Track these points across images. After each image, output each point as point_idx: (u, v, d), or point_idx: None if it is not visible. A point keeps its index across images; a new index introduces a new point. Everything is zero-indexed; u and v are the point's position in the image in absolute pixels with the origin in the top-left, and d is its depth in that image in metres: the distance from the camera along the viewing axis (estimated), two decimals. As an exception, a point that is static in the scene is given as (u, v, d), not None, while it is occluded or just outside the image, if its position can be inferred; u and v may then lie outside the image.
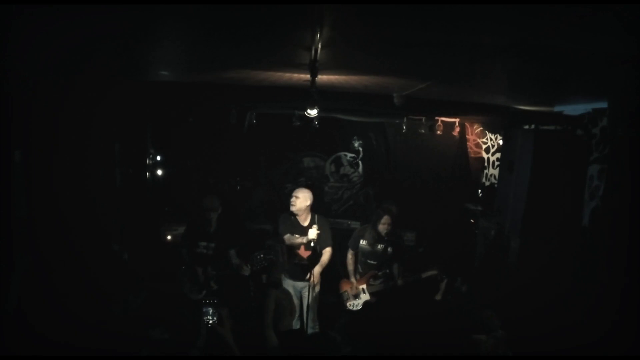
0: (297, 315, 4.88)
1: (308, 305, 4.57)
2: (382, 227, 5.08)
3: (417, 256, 5.72)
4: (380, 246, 5.12)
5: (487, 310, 4.00)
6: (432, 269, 5.14)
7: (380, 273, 5.14)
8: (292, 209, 4.77)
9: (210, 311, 3.40)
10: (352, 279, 5.22)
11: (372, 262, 5.15)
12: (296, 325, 4.89)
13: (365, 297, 5.13)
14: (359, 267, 5.26)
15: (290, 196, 4.87)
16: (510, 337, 3.73)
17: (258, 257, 4.72)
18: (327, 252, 4.83)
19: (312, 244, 4.60)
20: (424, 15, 2.08)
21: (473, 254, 6.04)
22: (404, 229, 5.85)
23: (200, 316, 3.37)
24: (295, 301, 4.88)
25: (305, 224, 4.76)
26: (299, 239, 4.69)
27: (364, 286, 5.16)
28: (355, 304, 5.13)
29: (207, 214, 4.86)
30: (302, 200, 4.76)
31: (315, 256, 4.71)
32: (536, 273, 4.32)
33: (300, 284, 4.83)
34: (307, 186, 5.36)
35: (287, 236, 4.75)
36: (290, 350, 4.52)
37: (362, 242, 5.20)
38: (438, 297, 4.92)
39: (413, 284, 5.09)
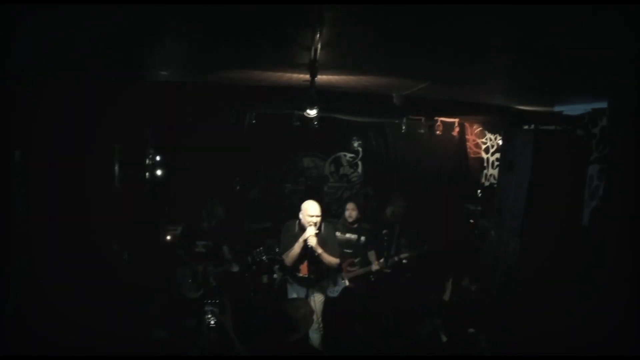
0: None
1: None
2: (347, 213, 5.53)
3: (422, 254, 5.76)
4: (352, 236, 5.51)
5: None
6: (421, 247, 5.59)
7: (356, 260, 5.54)
8: (315, 232, 4.44)
9: (212, 310, 3.38)
10: None
11: (347, 250, 5.49)
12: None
13: (343, 283, 5.42)
14: None
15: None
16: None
17: (257, 250, 4.77)
18: (331, 257, 4.62)
19: (313, 250, 4.41)
20: (424, 15, 2.08)
21: (473, 254, 6.03)
22: (402, 226, 5.98)
23: (202, 315, 3.35)
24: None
25: None
26: (297, 245, 4.46)
27: (342, 274, 5.44)
28: (335, 290, 5.39)
29: (207, 214, 4.87)
30: (321, 219, 4.50)
31: (318, 265, 4.55)
32: (536, 273, 4.32)
33: (304, 290, 4.68)
34: (307, 187, 5.37)
35: (284, 254, 4.59)
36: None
37: (336, 233, 5.37)
38: (445, 297, 4.97)
39: (394, 267, 5.49)
